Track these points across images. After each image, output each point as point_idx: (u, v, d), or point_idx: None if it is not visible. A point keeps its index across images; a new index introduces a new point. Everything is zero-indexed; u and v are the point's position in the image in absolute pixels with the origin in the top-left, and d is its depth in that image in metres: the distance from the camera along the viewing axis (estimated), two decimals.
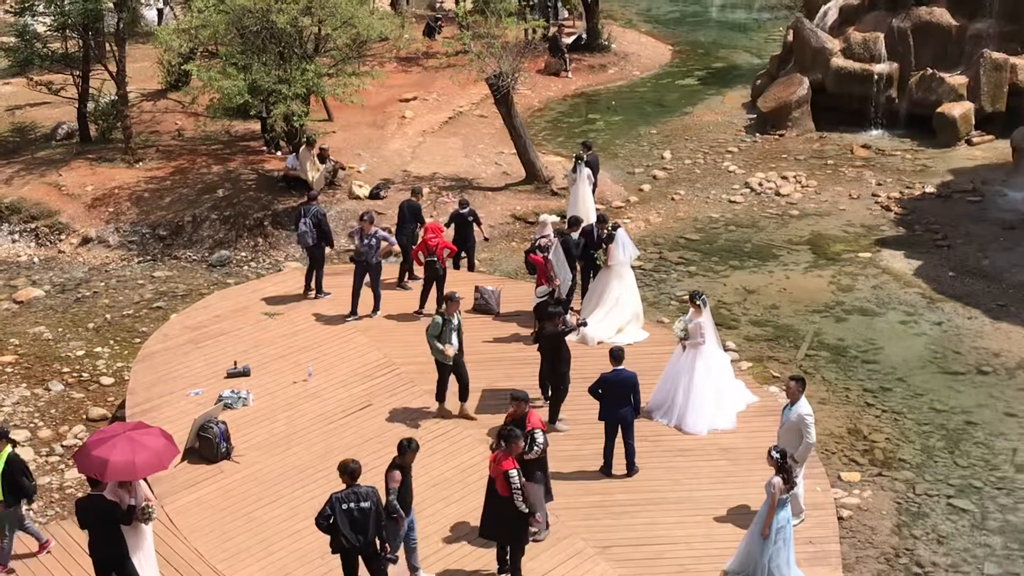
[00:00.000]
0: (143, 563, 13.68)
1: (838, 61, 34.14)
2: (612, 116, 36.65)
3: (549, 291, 19.60)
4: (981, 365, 21.00)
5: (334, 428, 17.79)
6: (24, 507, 15.13)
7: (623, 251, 20.64)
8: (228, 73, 27.51)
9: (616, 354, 16.32)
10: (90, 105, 31.65)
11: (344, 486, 13.20)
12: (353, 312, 21.22)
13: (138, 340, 22.29)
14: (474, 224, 23.45)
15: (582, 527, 15.31)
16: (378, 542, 13.34)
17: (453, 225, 23.38)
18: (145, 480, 13.90)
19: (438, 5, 48.87)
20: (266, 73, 27.35)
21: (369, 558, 13.39)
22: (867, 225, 27.46)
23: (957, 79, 32.61)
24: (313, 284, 22.28)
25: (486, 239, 24.87)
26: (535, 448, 14.55)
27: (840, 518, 16.23)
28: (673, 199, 29.32)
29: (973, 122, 32.38)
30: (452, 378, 17.86)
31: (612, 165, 31.22)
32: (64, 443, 19.08)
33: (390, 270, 23.01)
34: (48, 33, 32.17)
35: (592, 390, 16.35)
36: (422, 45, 40.50)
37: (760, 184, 30.00)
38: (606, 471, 16.48)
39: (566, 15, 46.46)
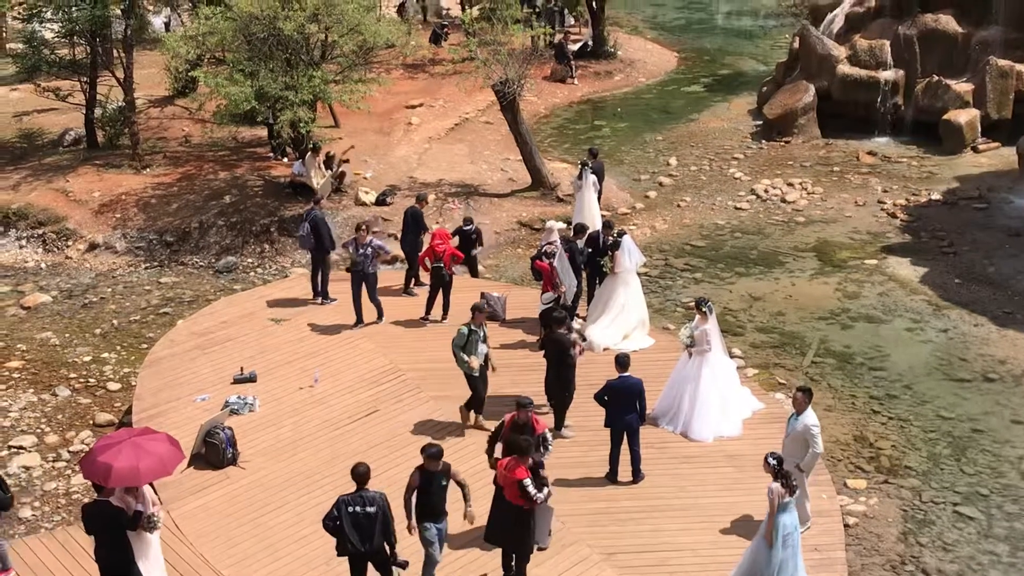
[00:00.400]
0: (150, 569, 13.69)
1: (844, 68, 34.16)
2: (618, 123, 36.69)
3: (555, 297, 19.63)
4: (987, 372, 20.98)
5: (340, 434, 17.80)
6: None
7: (629, 258, 20.65)
8: (235, 79, 27.58)
9: (622, 361, 16.33)
10: (97, 111, 31.75)
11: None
12: (359, 321, 21.20)
13: (145, 346, 22.33)
14: (476, 242, 23.38)
15: (587, 533, 15.31)
16: (387, 548, 13.32)
17: (457, 238, 23.40)
18: (151, 486, 13.88)
19: (444, 12, 48.94)
20: (273, 79, 27.43)
21: (378, 564, 13.40)
22: (873, 232, 27.45)
23: (963, 86, 32.62)
24: (319, 289, 22.34)
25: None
26: (550, 448, 14.73)
27: (846, 525, 16.21)
28: (679, 206, 29.34)
29: (979, 129, 32.39)
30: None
31: (618, 172, 31.24)
32: (71, 448, 19.11)
33: (395, 277, 23.03)
34: (56, 39, 32.30)
35: (598, 397, 16.35)
36: (428, 52, 40.58)
37: (766, 191, 30.01)
38: (612, 478, 16.47)
39: (572, 22, 46.52)
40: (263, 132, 31.63)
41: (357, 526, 13.07)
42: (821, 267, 25.70)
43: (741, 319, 23.21)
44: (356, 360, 20.06)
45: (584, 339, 19.51)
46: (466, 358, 17.27)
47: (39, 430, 19.71)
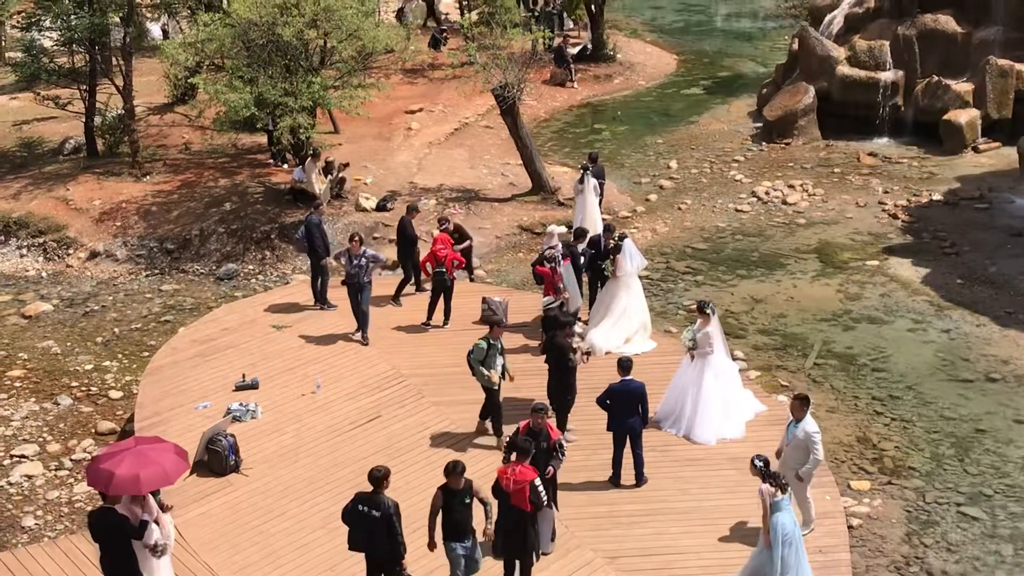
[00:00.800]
0: None
1: (844, 69, 34.16)
2: (618, 126, 36.69)
3: (555, 302, 19.53)
4: (990, 372, 20.95)
5: (342, 440, 17.78)
6: None
7: (630, 261, 20.63)
8: (234, 86, 27.58)
9: (624, 364, 16.31)
10: (97, 119, 31.78)
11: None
12: (358, 329, 21.00)
13: (146, 354, 22.32)
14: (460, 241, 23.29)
15: (591, 537, 15.29)
16: (395, 557, 13.34)
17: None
18: (155, 495, 13.80)
19: (443, 17, 48.97)
20: (272, 86, 27.43)
21: (387, 571, 13.44)
22: (874, 233, 27.43)
23: (963, 86, 32.61)
24: (318, 296, 22.31)
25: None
26: (563, 457, 14.74)
27: (850, 527, 16.18)
28: (680, 209, 29.33)
29: (979, 129, 32.38)
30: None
31: (618, 175, 31.23)
32: (73, 457, 19.10)
33: (389, 287, 22.81)
34: (55, 48, 32.33)
35: (600, 401, 16.34)
36: (428, 57, 40.61)
37: (767, 193, 30.00)
38: (615, 481, 16.45)
39: (571, 26, 46.55)
40: (263, 139, 31.63)
41: (361, 525, 13.16)
42: (823, 268, 25.68)
43: (743, 321, 23.19)
44: (358, 366, 20.05)
45: (587, 349, 19.40)
46: (486, 372, 17.06)
47: (41, 439, 19.70)
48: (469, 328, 21.36)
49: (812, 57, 34.85)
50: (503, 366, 17.31)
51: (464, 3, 44.73)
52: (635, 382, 16.17)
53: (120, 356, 22.77)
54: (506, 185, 30.47)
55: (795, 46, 36.42)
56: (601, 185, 26.48)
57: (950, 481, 17.72)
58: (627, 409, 16.12)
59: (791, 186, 30.31)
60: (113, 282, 26.33)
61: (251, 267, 26.66)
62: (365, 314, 20.76)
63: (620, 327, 20.57)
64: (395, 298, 22.64)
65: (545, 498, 13.67)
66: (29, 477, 18.51)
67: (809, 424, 14.82)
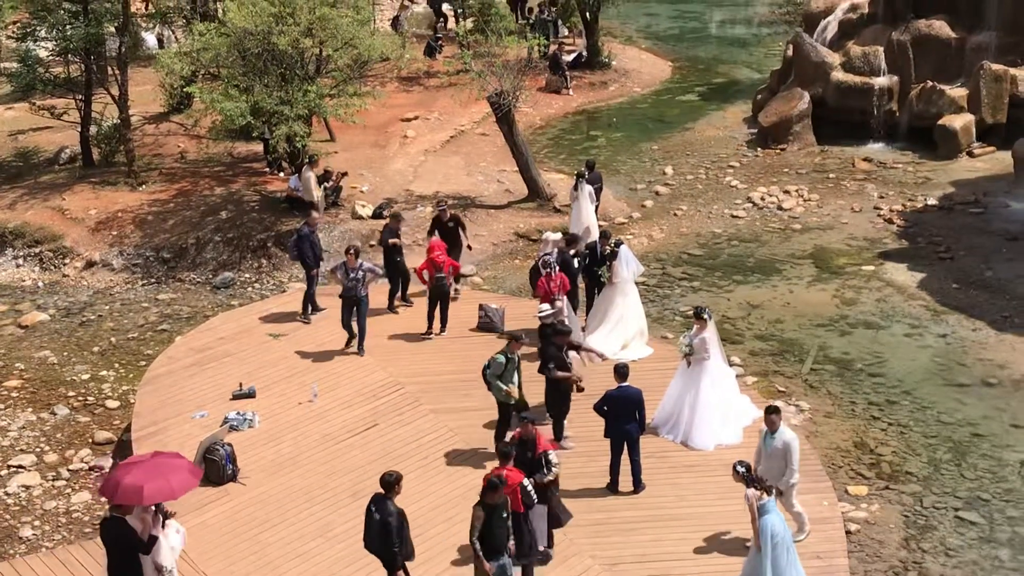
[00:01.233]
0: None
1: (838, 75, 34.21)
2: (613, 133, 36.71)
3: (552, 312, 19.33)
4: (987, 377, 20.97)
5: (340, 449, 17.78)
6: None
7: (627, 268, 20.67)
8: (230, 95, 27.58)
9: (621, 371, 16.33)
10: (93, 129, 31.74)
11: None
12: (349, 342, 20.81)
13: (143, 363, 22.30)
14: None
15: (589, 544, 15.29)
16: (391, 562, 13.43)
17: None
18: (159, 508, 13.75)
19: (439, 25, 49.00)
20: (268, 94, 27.44)
21: (388, 570, 13.59)
22: (870, 238, 27.47)
23: (957, 91, 32.66)
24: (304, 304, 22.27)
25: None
26: (552, 470, 14.60)
27: (848, 532, 16.20)
28: (676, 215, 29.35)
29: (974, 134, 32.39)
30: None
31: (614, 181, 31.25)
32: (70, 467, 19.08)
33: (381, 300, 22.73)
34: (50, 58, 32.34)
35: (597, 407, 16.35)
36: (423, 65, 40.64)
37: (762, 198, 30.02)
38: (612, 488, 16.46)
39: (566, 33, 46.54)
40: (259, 147, 31.64)
41: (367, 524, 13.47)
42: (819, 274, 25.70)
43: (739, 327, 23.21)
44: (355, 374, 20.05)
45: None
46: (504, 387, 16.87)
47: (38, 449, 19.69)
48: (467, 336, 21.39)
49: (807, 63, 34.90)
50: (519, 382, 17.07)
51: (459, 11, 44.75)
52: (632, 388, 16.19)
53: (117, 366, 22.75)
54: (502, 192, 30.49)
55: (790, 52, 36.48)
56: (598, 191, 26.56)
57: (948, 486, 17.74)
58: (624, 415, 16.13)
59: (787, 192, 30.33)
60: (109, 291, 26.32)
61: (247, 276, 26.65)
62: (363, 328, 20.63)
63: (617, 333, 20.59)
64: (390, 307, 22.63)
65: (535, 496, 13.73)
66: (27, 487, 18.49)
67: (787, 433, 14.84)
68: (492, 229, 28.18)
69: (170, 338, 23.36)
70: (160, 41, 41.99)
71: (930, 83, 32.94)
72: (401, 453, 17.42)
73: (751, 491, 13.63)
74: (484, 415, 18.08)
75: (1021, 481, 17.78)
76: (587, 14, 42.62)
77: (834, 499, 16.47)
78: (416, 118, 36.17)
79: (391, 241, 22.50)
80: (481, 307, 21.79)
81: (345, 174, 29.42)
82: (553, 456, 14.70)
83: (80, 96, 31.39)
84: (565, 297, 20.01)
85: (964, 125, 32.20)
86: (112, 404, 21.22)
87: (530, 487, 13.74)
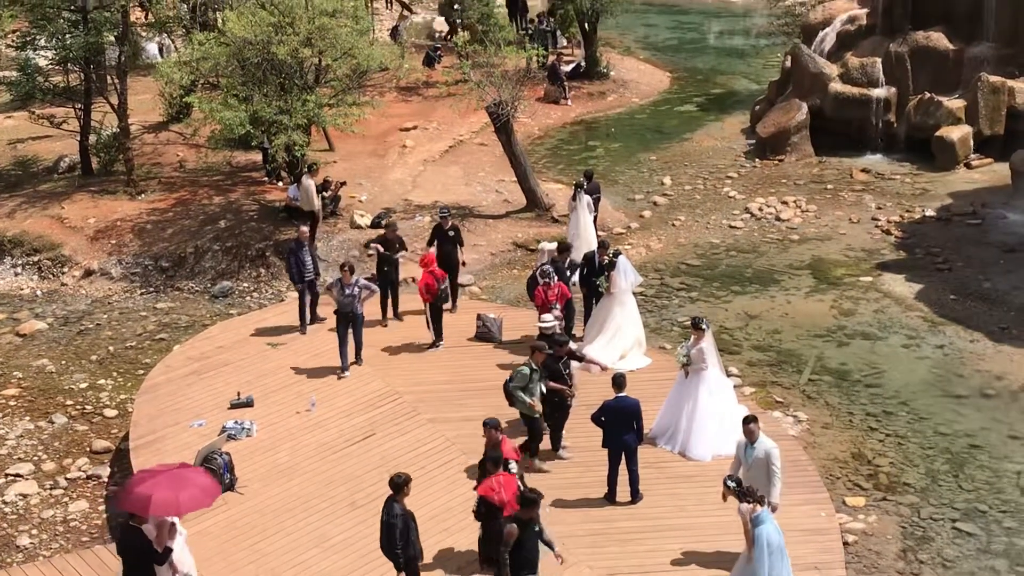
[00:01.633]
0: None
1: (836, 86, 34.28)
2: (612, 143, 36.76)
3: (555, 324, 19.24)
4: (984, 388, 20.99)
5: (337, 458, 17.78)
6: None
7: (625, 278, 20.68)
8: (229, 104, 27.61)
9: (619, 381, 16.33)
10: (92, 138, 31.77)
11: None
12: (344, 368, 20.41)
13: (141, 372, 22.31)
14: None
15: (587, 555, 15.29)
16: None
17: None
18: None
19: (437, 35, 49.09)
20: (267, 104, 27.48)
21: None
22: (868, 249, 27.50)
23: (955, 103, 32.71)
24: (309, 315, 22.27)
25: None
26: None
27: (845, 543, 16.20)
28: (674, 225, 29.39)
29: (972, 145, 32.44)
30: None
31: (612, 192, 31.29)
32: (68, 476, 19.08)
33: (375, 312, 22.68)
34: (50, 67, 32.35)
35: (595, 418, 16.35)
36: (422, 74, 40.70)
37: (760, 209, 30.06)
38: (610, 499, 16.45)
39: (565, 43, 46.65)
40: (258, 157, 31.67)
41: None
42: (816, 285, 25.73)
43: (737, 337, 23.23)
44: (352, 383, 20.05)
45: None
46: (528, 400, 16.80)
47: (36, 458, 19.69)
48: (465, 345, 21.41)
49: (805, 74, 34.97)
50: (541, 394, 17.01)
51: (458, 21, 44.82)
52: (630, 399, 16.19)
53: (115, 374, 22.75)
54: (500, 202, 30.52)
55: (788, 63, 36.55)
56: (597, 201, 26.59)
57: (945, 497, 17.75)
58: (622, 426, 16.13)
59: (784, 202, 30.37)
60: (108, 300, 26.32)
61: (246, 285, 26.67)
62: (359, 341, 20.46)
63: (615, 344, 20.59)
64: (395, 315, 22.60)
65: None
66: (24, 496, 18.49)
67: (767, 442, 14.83)
68: (490, 239, 28.21)
69: (168, 347, 23.37)
70: (161, 49, 42.04)
71: (928, 94, 33.00)
72: (399, 463, 17.38)
73: (745, 506, 13.65)
74: (481, 425, 18.07)
75: (1018, 492, 17.79)
76: (586, 25, 42.69)
77: (832, 510, 16.47)
78: (415, 128, 36.23)
79: (373, 245, 22.59)
80: (479, 317, 21.80)
81: (344, 183, 29.47)
82: (513, 466, 14.64)
83: (79, 105, 31.43)
84: (559, 306, 20.05)
85: (962, 137, 32.26)
86: (110, 413, 21.22)
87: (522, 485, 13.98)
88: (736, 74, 45.14)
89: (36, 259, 27.75)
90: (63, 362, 23.30)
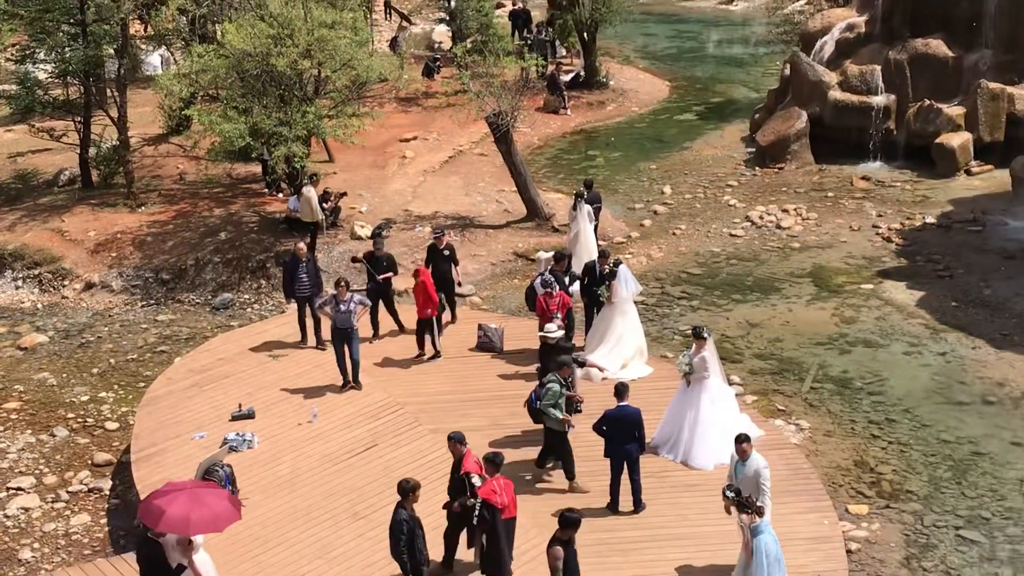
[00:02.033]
0: None
1: (836, 94, 34.29)
2: (611, 152, 36.78)
3: (560, 332, 19.13)
4: (986, 395, 20.97)
5: (339, 469, 17.76)
6: None
7: (626, 287, 20.68)
8: (229, 116, 27.65)
9: (620, 390, 16.33)
10: (92, 151, 31.80)
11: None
12: (346, 383, 20.29)
13: (142, 384, 22.30)
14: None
15: (590, 565, 15.19)
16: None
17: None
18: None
19: (436, 46, 49.15)
20: (267, 116, 27.51)
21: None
22: (868, 256, 27.49)
23: (955, 110, 32.73)
24: (314, 331, 22.13)
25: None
26: (471, 491, 14.51)
27: (848, 551, 16.17)
28: (674, 234, 29.38)
29: (972, 152, 32.46)
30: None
31: (612, 201, 31.29)
32: (69, 489, 19.05)
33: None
34: (49, 80, 32.40)
35: (597, 427, 16.34)
36: (421, 85, 40.74)
37: (761, 217, 30.06)
38: (613, 508, 16.43)
39: (564, 53, 46.69)
40: (258, 168, 31.69)
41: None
42: (817, 292, 25.72)
43: (739, 346, 23.21)
44: (354, 395, 20.03)
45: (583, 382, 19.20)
46: (560, 415, 16.66)
47: (37, 471, 19.67)
48: (465, 355, 21.40)
49: (804, 82, 34.99)
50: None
51: (457, 32, 44.87)
52: (631, 408, 16.19)
53: (116, 387, 22.74)
54: (501, 212, 30.53)
55: (787, 71, 36.56)
56: (597, 211, 26.60)
57: (948, 504, 17.71)
58: (624, 435, 16.12)
59: (785, 210, 30.38)
60: (109, 313, 26.31)
61: (247, 296, 26.66)
62: (356, 360, 20.19)
63: (616, 353, 20.58)
64: (398, 327, 22.54)
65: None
66: (26, 509, 18.47)
67: (759, 461, 14.81)
68: (491, 249, 28.20)
69: (169, 359, 23.36)
70: (163, 59, 42.06)
71: (927, 102, 33.02)
72: (400, 473, 17.27)
73: (745, 516, 13.66)
74: (483, 435, 18.07)
75: (1022, 499, 17.76)
76: (585, 34, 42.75)
77: (835, 518, 16.45)
78: (415, 138, 36.24)
79: (358, 260, 22.64)
80: (480, 327, 21.80)
81: (344, 195, 29.49)
82: (476, 479, 14.58)
83: (79, 118, 31.46)
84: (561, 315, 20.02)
85: (962, 143, 32.27)
86: (111, 425, 21.20)
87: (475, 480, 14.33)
88: (735, 83, 45.17)
89: (37, 272, 27.75)
90: (64, 375, 23.29)
